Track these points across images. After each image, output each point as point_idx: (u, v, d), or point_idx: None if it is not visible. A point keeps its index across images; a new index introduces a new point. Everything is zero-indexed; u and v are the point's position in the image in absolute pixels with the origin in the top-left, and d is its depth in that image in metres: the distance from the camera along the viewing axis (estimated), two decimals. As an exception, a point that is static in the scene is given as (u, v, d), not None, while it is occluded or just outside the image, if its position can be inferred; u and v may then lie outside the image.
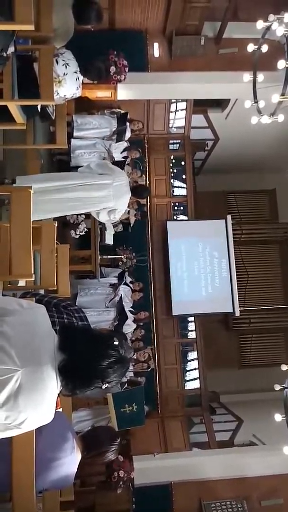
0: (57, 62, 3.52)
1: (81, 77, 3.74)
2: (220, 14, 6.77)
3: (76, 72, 3.64)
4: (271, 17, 4.54)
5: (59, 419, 1.76)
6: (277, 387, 4.55)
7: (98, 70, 3.94)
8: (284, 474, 6.26)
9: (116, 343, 1.64)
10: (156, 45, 6.94)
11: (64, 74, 3.54)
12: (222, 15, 6.75)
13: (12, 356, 1.50)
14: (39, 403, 1.55)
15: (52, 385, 1.58)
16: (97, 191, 4.69)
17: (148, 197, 7.78)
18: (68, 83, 3.59)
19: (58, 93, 3.60)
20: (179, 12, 6.54)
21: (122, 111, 6.88)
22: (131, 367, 6.46)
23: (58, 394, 1.63)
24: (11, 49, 2.58)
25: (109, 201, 4.77)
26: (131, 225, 7.15)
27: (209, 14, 6.72)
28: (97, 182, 4.80)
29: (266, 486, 6.30)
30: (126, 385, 6.06)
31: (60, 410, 2.55)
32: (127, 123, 6.74)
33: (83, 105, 6.71)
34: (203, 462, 6.60)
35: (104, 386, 1.62)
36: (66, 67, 3.55)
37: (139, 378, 6.67)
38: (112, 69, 6.17)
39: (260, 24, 4.67)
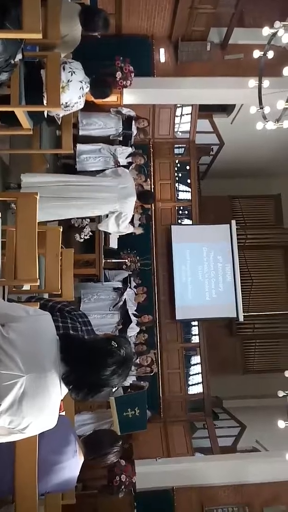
0: (63, 68, 3.55)
1: (86, 89, 3.75)
2: (226, 20, 6.81)
3: (81, 82, 3.66)
4: (277, 24, 4.56)
5: (62, 422, 1.78)
6: (281, 394, 4.55)
7: (102, 92, 3.98)
8: (287, 480, 6.23)
9: (115, 345, 1.64)
10: (162, 50, 6.99)
11: (68, 80, 3.56)
12: (228, 21, 6.80)
13: (17, 362, 1.52)
14: (42, 409, 1.57)
15: (56, 391, 1.59)
16: (102, 192, 4.72)
17: (152, 203, 7.80)
18: (70, 90, 3.60)
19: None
20: (185, 18, 6.59)
21: (127, 110, 6.85)
22: (134, 372, 6.46)
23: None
24: (18, 56, 2.62)
25: (114, 203, 4.78)
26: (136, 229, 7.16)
27: (215, 20, 6.77)
28: (102, 184, 4.83)
29: (268, 492, 6.27)
30: (129, 389, 6.06)
31: (63, 413, 2.57)
32: (133, 127, 6.77)
33: (88, 109, 6.73)
34: (206, 467, 6.58)
35: (114, 390, 1.65)
36: (72, 74, 3.58)
37: (141, 382, 6.67)
38: (118, 74, 6.21)
39: (266, 31, 4.69)
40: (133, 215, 6.73)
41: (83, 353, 1.64)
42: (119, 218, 4.90)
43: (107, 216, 5.02)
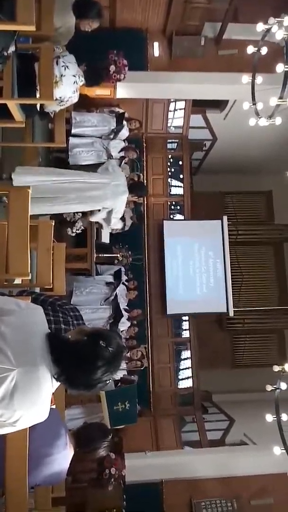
0: (57, 63, 3.52)
1: (80, 82, 3.73)
2: (220, 15, 6.78)
3: (74, 76, 3.63)
4: (271, 20, 4.56)
5: (52, 415, 1.79)
6: (269, 388, 4.61)
7: (95, 79, 3.96)
8: (274, 474, 6.29)
9: (103, 345, 1.63)
10: (156, 44, 6.95)
11: (61, 75, 3.53)
12: (223, 16, 6.77)
13: (8, 355, 1.53)
14: (33, 402, 1.58)
15: (47, 385, 1.61)
16: (95, 190, 4.73)
17: (145, 196, 7.79)
18: (64, 85, 3.57)
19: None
20: (179, 12, 6.55)
21: (121, 111, 6.89)
22: (124, 365, 6.49)
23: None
24: (11, 48, 2.60)
25: (106, 199, 4.80)
26: (126, 226, 7.16)
27: (209, 15, 6.74)
28: (95, 181, 4.83)
29: (256, 485, 6.35)
30: (119, 383, 6.09)
31: (54, 407, 2.58)
32: (124, 122, 6.75)
33: (82, 103, 6.69)
34: (194, 460, 6.65)
35: (107, 383, 1.67)
36: (65, 69, 3.55)
37: (132, 376, 6.69)
38: (112, 68, 6.17)
39: (260, 27, 4.70)
40: (124, 216, 6.76)
41: (72, 361, 1.63)
42: (111, 214, 4.94)
43: (99, 210, 5.05)
